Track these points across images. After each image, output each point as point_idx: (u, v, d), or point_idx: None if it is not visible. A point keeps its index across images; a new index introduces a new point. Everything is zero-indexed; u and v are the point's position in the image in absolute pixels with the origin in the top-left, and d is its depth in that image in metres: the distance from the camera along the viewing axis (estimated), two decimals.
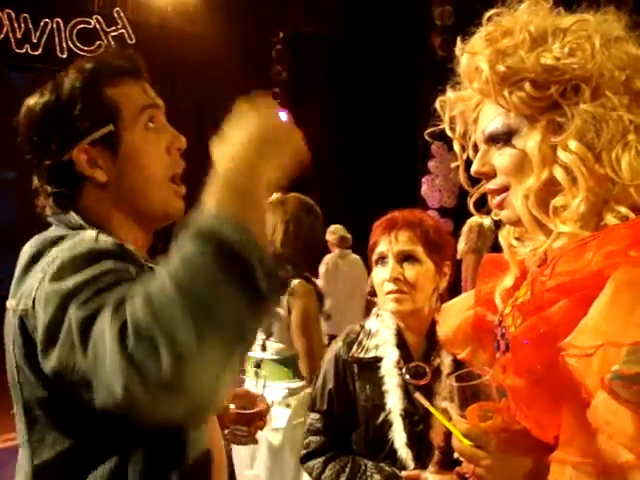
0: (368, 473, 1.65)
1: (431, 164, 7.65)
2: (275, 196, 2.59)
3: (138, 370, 0.72)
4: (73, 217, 1.09)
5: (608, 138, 0.91)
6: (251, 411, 1.38)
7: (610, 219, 0.91)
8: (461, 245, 5.16)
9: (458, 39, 1.05)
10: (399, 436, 1.63)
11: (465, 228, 5.11)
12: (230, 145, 0.85)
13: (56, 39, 8.43)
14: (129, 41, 8.79)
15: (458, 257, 4.96)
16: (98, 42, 8.65)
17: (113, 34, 8.74)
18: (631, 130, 0.91)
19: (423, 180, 7.78)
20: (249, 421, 1.38)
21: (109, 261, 0.94)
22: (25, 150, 1.12)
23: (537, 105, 0.95)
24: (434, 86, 1.12)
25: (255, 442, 1.42)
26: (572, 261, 0.89)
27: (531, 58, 0.94)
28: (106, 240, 1.01)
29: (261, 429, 1.41)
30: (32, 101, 1.12)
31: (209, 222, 0.78)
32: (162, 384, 0.71)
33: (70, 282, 0.90)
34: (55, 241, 1.02)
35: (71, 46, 8.51)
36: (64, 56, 8.43)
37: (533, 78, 0.94)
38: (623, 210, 0.90)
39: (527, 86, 0.94)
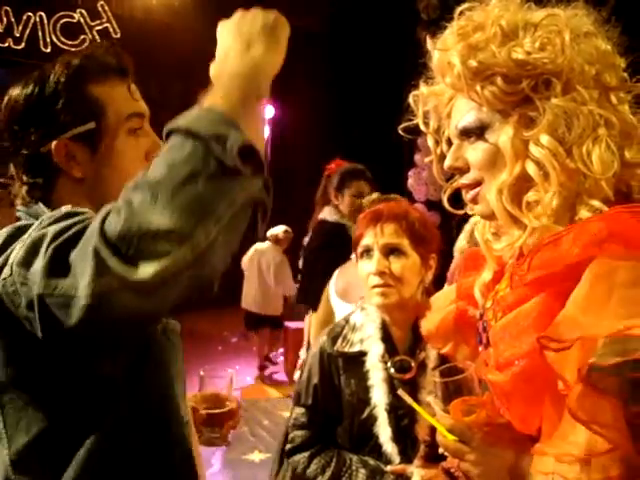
0: (353, 467, 1.65)
1: (417, 157, 7.65)
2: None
3: (119, 250, 0.74)
4: (42, 210, 1.09)
5: (579, 132, 0.91)
6: (221, 411, 1.34)
7: (584, 213, 0.91)
8: (462, 242, 5.12)
9: (427, 37, 1.05)
10: (384, 430, 1.64)
11: (467, 227, 5.06)
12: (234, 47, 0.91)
13: (39, 33, 8.34)
14: (114, 35, 8.71)
15: (457, 253, 4.94)
16: (82, 36, 8.57)
17: (97, 28, 8.66)
18: (601, 124, 0.92)
19: (409, 173, 7.78)
20: (220, 422, 1.35)
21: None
22: (4, 137, 1.12)
23: (509, 100, 0.95)
24: (421, 80, 1.12)
25: (227, 443, 1.39)
26: (548, 254, 0.89)
27: (502, 53, 0.94)
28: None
29: (233, 428, 1.38)
30: (15, 91, 1.11)
31: (191, 119, 0.83)
32: (148, 266, 0.73)
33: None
34: (24, 229, 0.98)
35: (55, 40, 8.42)
36: (48, 50, 8.34)
37: (505, 73, 0.94)
38: (596, 204, 0.91)
39: (499, 81, 0.94)
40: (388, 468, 1.62)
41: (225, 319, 8.51)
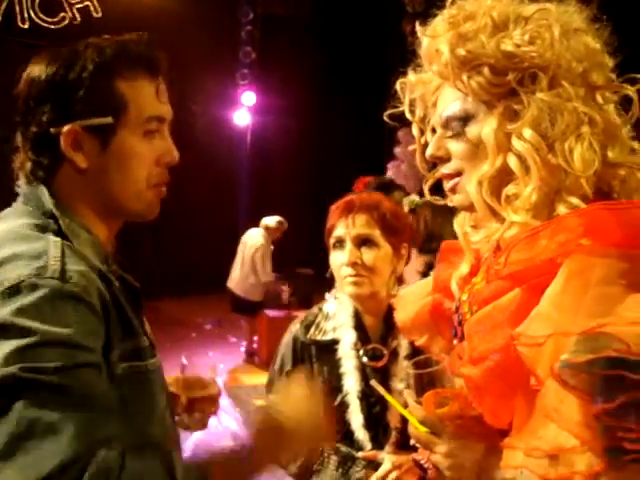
0: (325, 454, 1.67)
1: (397, 150, 7.68)
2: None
3: None
4: (45, 197, 1.06)
5: (562, 128, 0.91)
6: (201, 395, 1.33)
7: (562, 209, 0.91)
8: None
9: (417, 23, 1.04)
10: (356, 417, 1.65)
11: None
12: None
13: (17, 8, 8.15)
14: (95, 14, 8.55)
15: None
16: (62, 14, 8.40)
17: (78, 6, 8.49)
18: (585, 122, 0.92)
19: (389, 166, 7.81)
20: (201, 407, 1.33)
21: (67, 330, 0.90)
22: (18, 109, 1.09)
23: (495, 91, 0.95)
24: (405, 72, 1.11)
25: (205, 427, 1.37)
26: (525, 249, 0.89)
27: (491, 44, 0.94)
28: (72, 275, 0.96)
29: (214, 414, 1.37)
30: (39, 67, 1.07)
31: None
32: None
33: (23, 341, 0.87)
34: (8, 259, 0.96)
35: (33, 16, 8.24)
36: (25, 26, 8.16)
37: (492, 64, 0.94)
38: (574, 201, 0.91)
39: (486, 71, 0.94)
40: (360, 454, 1.63)
41: (200, 306, 8.50)
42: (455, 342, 1.11)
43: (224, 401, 2.30)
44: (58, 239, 1.02)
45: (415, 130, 1.12)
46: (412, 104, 1.11)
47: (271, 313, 6.56)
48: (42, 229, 1.03)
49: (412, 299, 1.32)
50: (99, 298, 0.99)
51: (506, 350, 0.87)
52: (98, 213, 1.11)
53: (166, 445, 1.12)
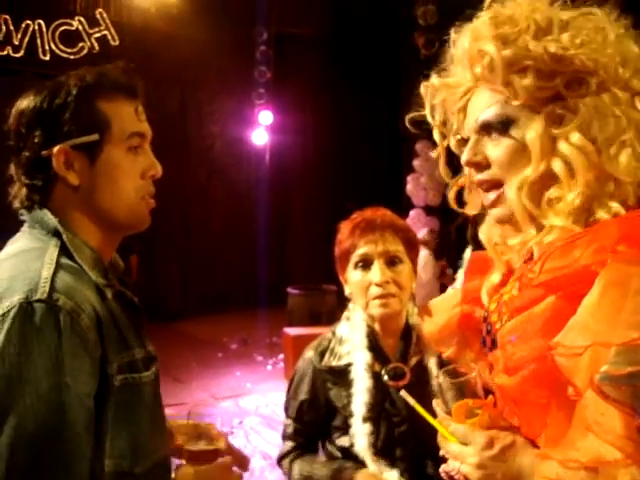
0: (317, 466, 1.68)
1: (416, 163, 7.66)
2: None
3: None
4: (49, 217, 1.13)
5: (609, 133, 0.89)
6: (204, 449, 1.29)
7: (602, 214, 0.90)
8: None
9: (453, 28, 1.02)
10: (360, 440, 1.61)
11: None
12: None
13: (38, 41, 8.35)
14: (112, 43, 8.73)
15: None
16: (81, 44, 8.59)
17: (96, 36, 8.68)
18: (630, 128, 0.90)
19: (408, 179, 7.79)
20: (205, 461, 1.28)
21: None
22: (9, 138, 1.17)
23: (540, 95, 0.93)
24: (418, 86, 1.10)
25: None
26: (560, 257, 0.87)
27: (538, 46, 0.92)
28: (63, 297, 1.02)
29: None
30: (28, 98, 1.16)
31: None
32: None
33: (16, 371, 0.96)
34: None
35: (53, 48, 8.44)
36: (47, 58, 8.36)
37: (539, 67, 0.92)
38: (615, 206, 0.89)
39: (532, 74, 0.92)
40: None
41: (225, 326, 8.52)
42: (484, 352, 1.09)
43: (254, 420, 2.28)
44: (54, 257, 1.08)
45: (436, 135, 1.10)
46: (432, 109, 1.09)
47: (294, 331, 6.48)
48: (42, 250, 1.09)
49: (440, 310, 1.30)
50: (93, 311, 1.06)
51: (542, 359, 0.85)
52: (96, 227, 1.18)
53: (160, 453, 1.18)
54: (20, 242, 1.14)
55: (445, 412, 1.06)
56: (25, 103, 1.16)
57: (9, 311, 0.99)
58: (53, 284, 1.03)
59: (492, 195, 1.01)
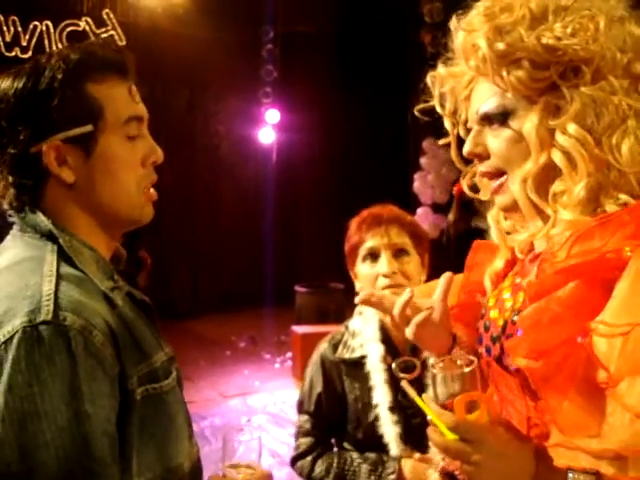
0: (355, 464, 1.67)
1: (423, 160, 7.64)
2: None
3: None
4: (42, 219, 1.02)
5: (608, 123, 0.88)
6: None
7: (610, 206, 0.89)
8: None
9: (455, 17, 1.01)
10: (388, 430, 1.65)
11: None
12: None
13: (46, 41, 8.38)
14: (120, 43, 8.75)
15: None
16: None
17: (103, 36, 8.70)
18: (630, 115, 0.89)
19: (415, 176, 7.77)
20: None
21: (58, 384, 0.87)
22: None
23: (535, 86, 0.93)
24: (425, 83, 1.10)
25: None
26: (585, 243, 0.86)
27: (531, 37, 0.91)
28: (70, 315, 0.91)
29: None
30: (5, 83, 1.03)
31: None
32: None
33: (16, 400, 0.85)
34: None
35: (61, 48, 8.47)
36: None
37: (532, 58, 0.91)
38: (623, 197, 0.88)
39: (526, 65, 0.91)
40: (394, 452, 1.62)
41: (233, 324, 8.53)
42: (480, 350, 1.06)
43: (263, 418, 2.27)
44: (54, 267, 0.97)
45: (447, 124, 1.10)
46: (442, 98, 1.08)
47: (302, 330, 6.47)
48: (38, 260, 0.99)
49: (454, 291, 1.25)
50: (105, 324, 0.96)
51: (568, 344, 0.83)
52: (96, 225, 1.08)
53: (186, 463, 1.09)
54: (12, 251, 1.02)
55: (440, 405, 0.98)
56: (3, 89, 1.01)
57: (12, 337, 0.88)
58: (57, 301, 0.91)
59: (495, 183, 1.00)
